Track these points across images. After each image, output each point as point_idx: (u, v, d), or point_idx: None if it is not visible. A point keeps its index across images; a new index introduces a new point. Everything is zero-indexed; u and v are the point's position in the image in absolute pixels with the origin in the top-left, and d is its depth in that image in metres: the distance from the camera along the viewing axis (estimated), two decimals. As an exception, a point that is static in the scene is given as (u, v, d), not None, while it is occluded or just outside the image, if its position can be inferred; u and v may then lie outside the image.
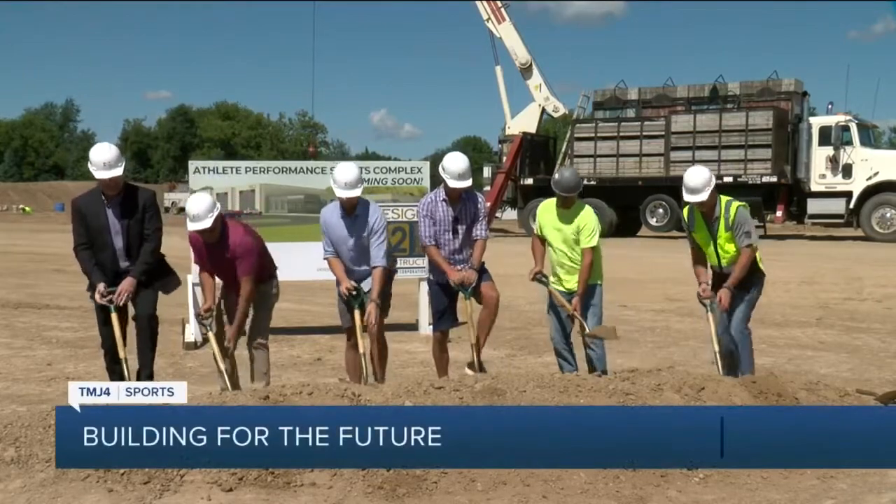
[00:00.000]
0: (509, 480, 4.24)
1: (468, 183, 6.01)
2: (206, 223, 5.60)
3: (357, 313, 5.90)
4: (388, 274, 6.04)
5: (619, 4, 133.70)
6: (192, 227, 5.68)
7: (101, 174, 5.53)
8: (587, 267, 6.11)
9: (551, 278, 6.34)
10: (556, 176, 6.34)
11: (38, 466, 4.23)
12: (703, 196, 5.96)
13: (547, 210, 6.35)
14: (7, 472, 4.20)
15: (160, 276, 5.90)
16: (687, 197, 6.05)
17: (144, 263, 5.70)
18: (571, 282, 6.21)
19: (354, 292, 5.89)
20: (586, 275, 6.12)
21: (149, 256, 5.71)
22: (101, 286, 5.64)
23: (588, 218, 6.18)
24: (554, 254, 6.29)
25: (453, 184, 5.95)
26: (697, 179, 5.97)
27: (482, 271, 6.17)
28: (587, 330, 6.15)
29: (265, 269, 5.97)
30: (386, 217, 6.15)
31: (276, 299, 6.18)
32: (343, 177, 5.82)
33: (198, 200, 5.70)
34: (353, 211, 5.93)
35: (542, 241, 6.37)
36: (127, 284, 5.61)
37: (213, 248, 5.78)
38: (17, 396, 6.54)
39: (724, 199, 6.08)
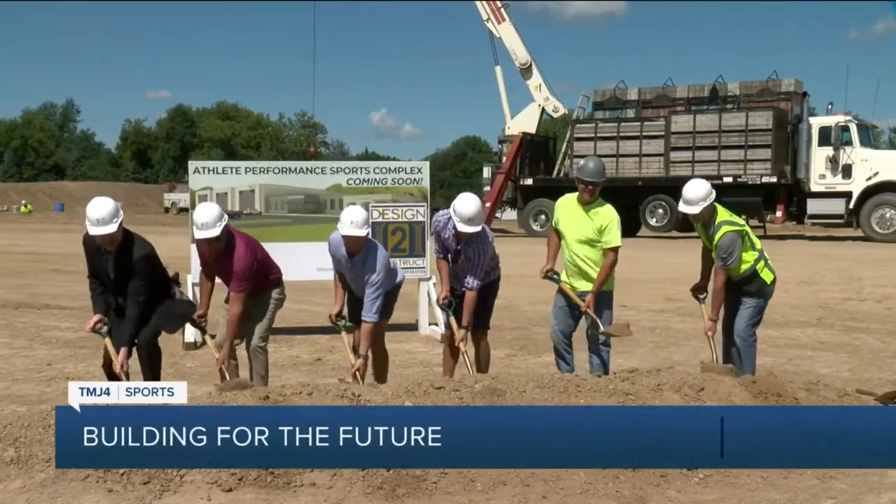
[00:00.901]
0: (509, 481, 4.24)
1: (476, 229, 5.83)
2: (214, 232, 5.57)
3: (344, 334, 5.94)
4: (377, 328, 5.92)
5: (619, 4, 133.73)
6: (199, 235, 5.65)
7: (92, 230, 5.36)
8: (608, 265, 5.97)
9: (562, 275, 6.23)
10: (581, 163, 6.20)
11: (38, 467, 4.23)
12: (695, 209, 5.95)
13: (567, 204, 6.19)
14: (7, 473, 4.20)
15: (161, 303, 5.75)
16: (681, 207, 6.07)
17: (132, 327, 5.52)
18: (581, 284, 6.07)
19: (337, 320, 5.93)
20: (606, 273, 5.98)
21: (133, 321, 5.52)
22: (95, 318, 5.56)
23: (611, 217, 6.02)
24: (567, 251, 6.12)
25: (461, 227, 5.82)
26: (694, 192, 5.96)
27: (481, 315, 6.13)
28: (601, 328, 6.07)
29: (264, 280, 5.94)
30: (394, 269, 6.02)
31: (281, 305, 6.17)
32: (348, 216, 5.69)
33: (206, 209, 5.67)
34: (356, 255, 5.78)
35: (559, 235, 6.22)
36: (122, 357, 5.46)
37: (217, 257, 5.78)
38: (16, 396, 6.54)
39: (720, 217, 6.01)
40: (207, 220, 5.57)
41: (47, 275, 15.95)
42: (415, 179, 9.60)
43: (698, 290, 6.34)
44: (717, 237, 5.94)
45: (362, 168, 9.74)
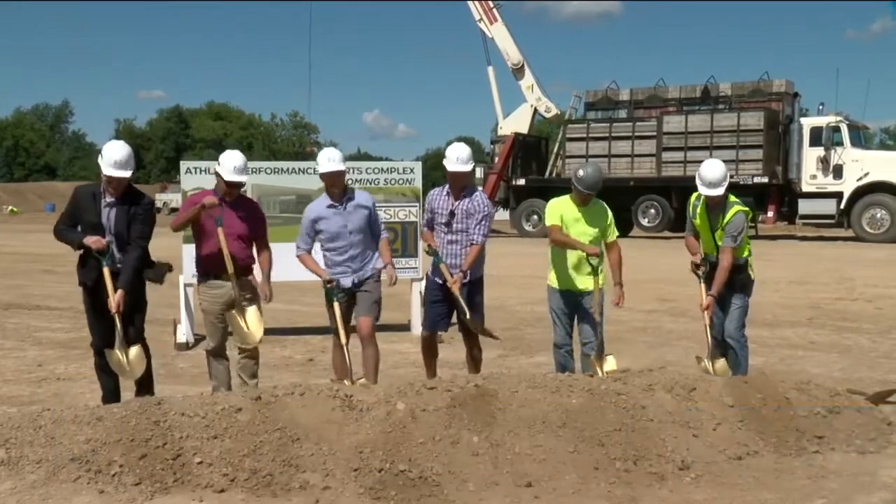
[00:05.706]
0: (501, 481, 4.24)
1: (466, 167, 6.08)
2: (243, 177, 5.80)
3: (336, 306, 5.93)
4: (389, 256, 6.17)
5: (616, 4, 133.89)
6: (231, 177, 5.75)
7: (108, 171, 5.37)
8: (620, 256, 6.11)
9: (557, 279, 6.18)
10: (580, 173, 6.08)
11: (29, 468, 4.21)
12: (720, 191, 6.06)
13: (565, 207, 6.12)
14: (-3, 474, 4.19)
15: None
16: (703, 190, 6.11)
17: (131, 268, 5.49)
18: (586, 282, 6.04)
19: (333, 284, 5.94)
20: (620, 267, 6.10)
21: (134, 262, 5.50)
22: (91, 238, 5.41)
23: (609, 215, 6.14)
24: (574, 252, 6.04)
25: (452, 167, 6.03)
26: (716, 174, 6.07)
27: (478, 306, 6.21)
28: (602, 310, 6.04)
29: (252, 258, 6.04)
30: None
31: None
32: (326, 153, 6.01)
33: (237, 154, 5.89)
34: (342, 197, 5.95)
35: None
36: (119, 297, 5.41)
37: (225, 210, 5.83)
38: (7, 398, 6.50)
39: (731, 198, 6.17)
40: (240, 164, 5.80)
41: (38, 275, 15.89)
42: (407, 180, 9.61)
43: (699, 263, 6.30)
44: (729, 215, 6.06)
45: (354, 168, 9.70)
